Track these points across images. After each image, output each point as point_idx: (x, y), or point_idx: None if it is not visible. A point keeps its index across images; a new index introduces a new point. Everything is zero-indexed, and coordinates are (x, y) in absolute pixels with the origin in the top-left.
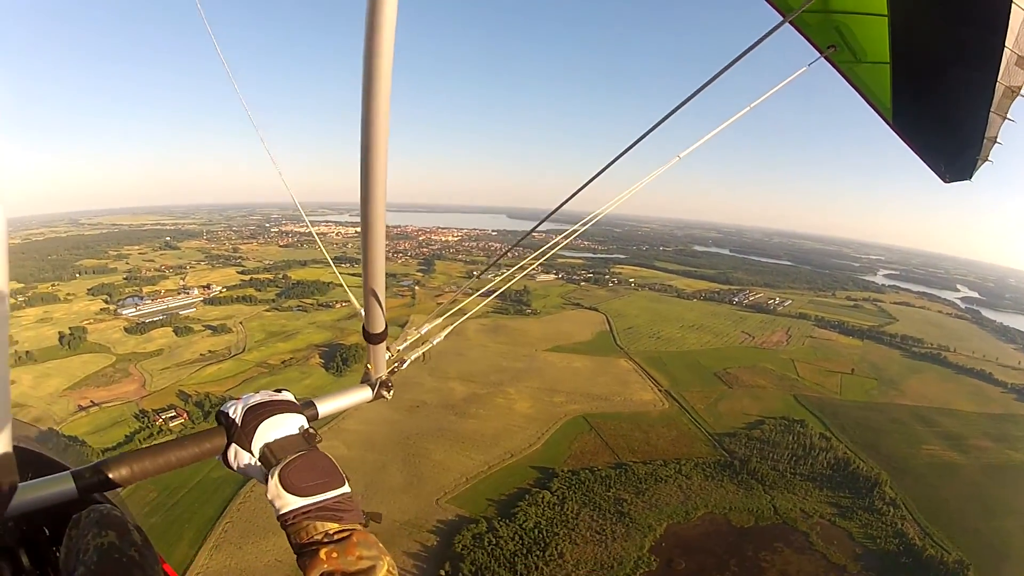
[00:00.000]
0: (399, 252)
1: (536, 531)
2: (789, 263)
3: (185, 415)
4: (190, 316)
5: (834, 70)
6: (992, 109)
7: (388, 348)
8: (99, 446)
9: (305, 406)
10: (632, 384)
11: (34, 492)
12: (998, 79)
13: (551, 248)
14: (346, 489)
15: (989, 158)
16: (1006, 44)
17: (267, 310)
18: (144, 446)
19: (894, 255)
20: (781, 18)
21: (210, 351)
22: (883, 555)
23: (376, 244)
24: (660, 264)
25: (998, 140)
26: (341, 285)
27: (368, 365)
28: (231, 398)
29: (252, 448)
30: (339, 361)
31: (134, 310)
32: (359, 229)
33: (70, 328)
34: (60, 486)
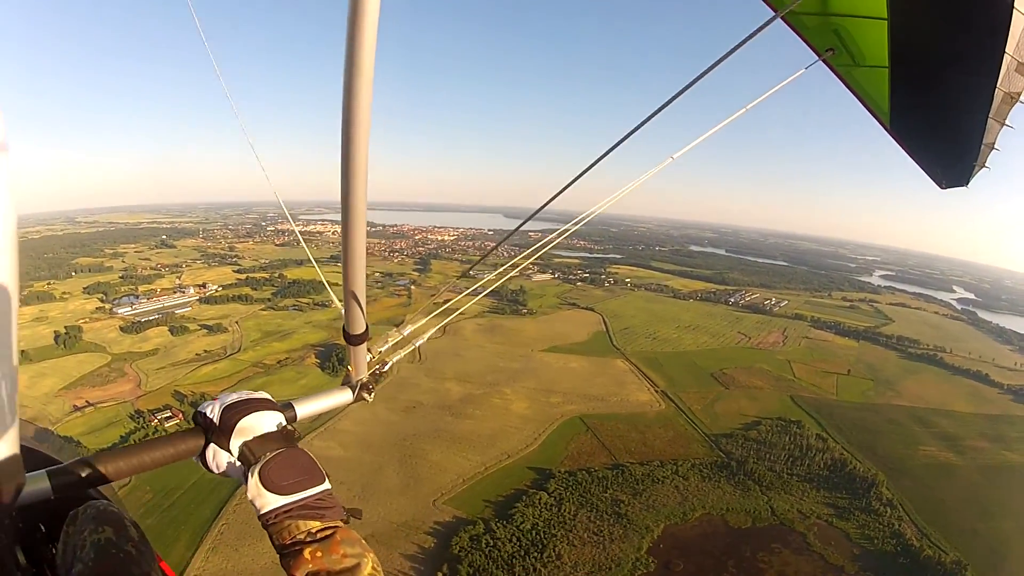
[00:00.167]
0: (395, 251)
1: (534, 532)
2: (785, 264)
3: (181, 415)
4: (186, 315)
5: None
6: (991, 115)
7: (369, 350)
8: (95, 447)
9: (283, 407)
10: (628, 385)
11: None
12: (997, 85)
13: (538, 249)
14: (326, 486)
15: (987, 164)
16: (1006, 50)
17: (263, 309)
18: (120, 446)
19: (890, 256)
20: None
21: (206, 351)
22: (881, 555)
23: (356, 245)
24: (656, 264)
25: (996, 147)
26: (330, 284)
27: (348, 367)
28: (210, 398)
29: (231, 447)
30: (335, 361)
31: (130, 309)
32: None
33: (66, 327)
34: (35, 485)
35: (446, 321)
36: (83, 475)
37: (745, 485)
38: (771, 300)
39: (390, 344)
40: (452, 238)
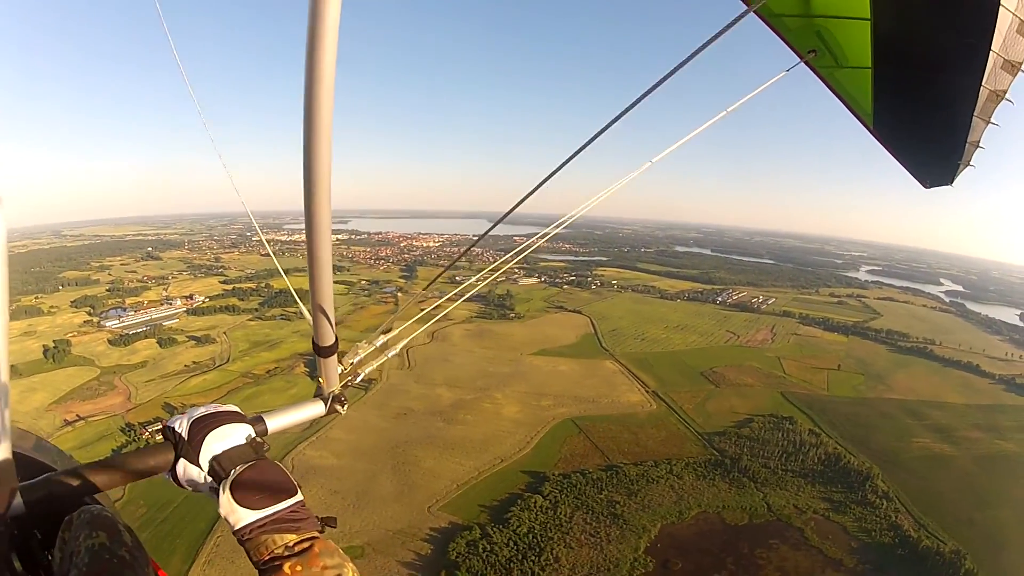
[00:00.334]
0: (381, 259)
1: (530, 536)
2: (771, 262)
3: None
4: (173, 327)
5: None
6: (976, 113)
7: (340, 361)
8: (86, 462)
9: (253, 420)
10: (619, 386)
11: None
12: (983, 83)
13: (519, 253)
14: (299, 497)
15: (971, 163)
16: (992, 48)
17: (251, 319)
18: (89, 461)
19: (876, 251)
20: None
21: (194, 362)
22: (879, 548)
23: (322, 256)
24: (642, 265)
25: (980, 145)
26: (300, 296)
27: (320, 379)
28: (180, 413)
29: (200, 462)
30: None
31: (117, 322)
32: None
33: (54, 341)
34: (30, 493)
35: (422, 328)
36: (51, 491)
37: (740, 482)
38: (758, 298)
39: (361, 356)
40: (437, 244)
